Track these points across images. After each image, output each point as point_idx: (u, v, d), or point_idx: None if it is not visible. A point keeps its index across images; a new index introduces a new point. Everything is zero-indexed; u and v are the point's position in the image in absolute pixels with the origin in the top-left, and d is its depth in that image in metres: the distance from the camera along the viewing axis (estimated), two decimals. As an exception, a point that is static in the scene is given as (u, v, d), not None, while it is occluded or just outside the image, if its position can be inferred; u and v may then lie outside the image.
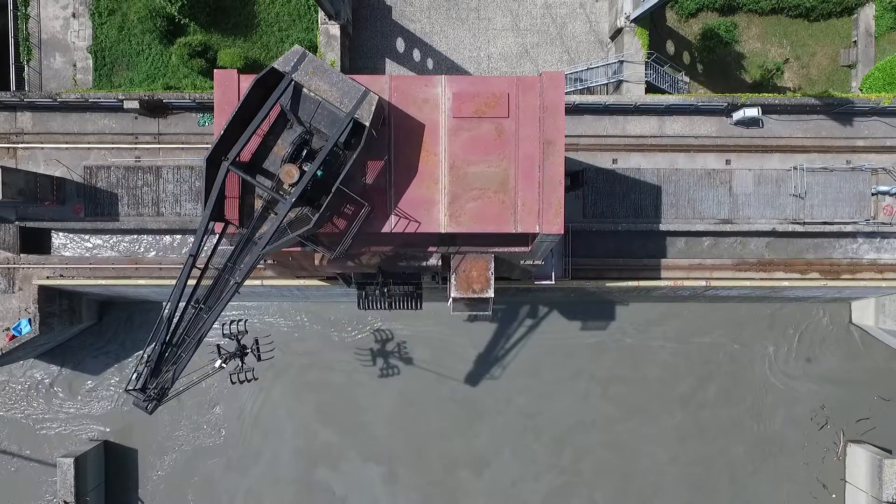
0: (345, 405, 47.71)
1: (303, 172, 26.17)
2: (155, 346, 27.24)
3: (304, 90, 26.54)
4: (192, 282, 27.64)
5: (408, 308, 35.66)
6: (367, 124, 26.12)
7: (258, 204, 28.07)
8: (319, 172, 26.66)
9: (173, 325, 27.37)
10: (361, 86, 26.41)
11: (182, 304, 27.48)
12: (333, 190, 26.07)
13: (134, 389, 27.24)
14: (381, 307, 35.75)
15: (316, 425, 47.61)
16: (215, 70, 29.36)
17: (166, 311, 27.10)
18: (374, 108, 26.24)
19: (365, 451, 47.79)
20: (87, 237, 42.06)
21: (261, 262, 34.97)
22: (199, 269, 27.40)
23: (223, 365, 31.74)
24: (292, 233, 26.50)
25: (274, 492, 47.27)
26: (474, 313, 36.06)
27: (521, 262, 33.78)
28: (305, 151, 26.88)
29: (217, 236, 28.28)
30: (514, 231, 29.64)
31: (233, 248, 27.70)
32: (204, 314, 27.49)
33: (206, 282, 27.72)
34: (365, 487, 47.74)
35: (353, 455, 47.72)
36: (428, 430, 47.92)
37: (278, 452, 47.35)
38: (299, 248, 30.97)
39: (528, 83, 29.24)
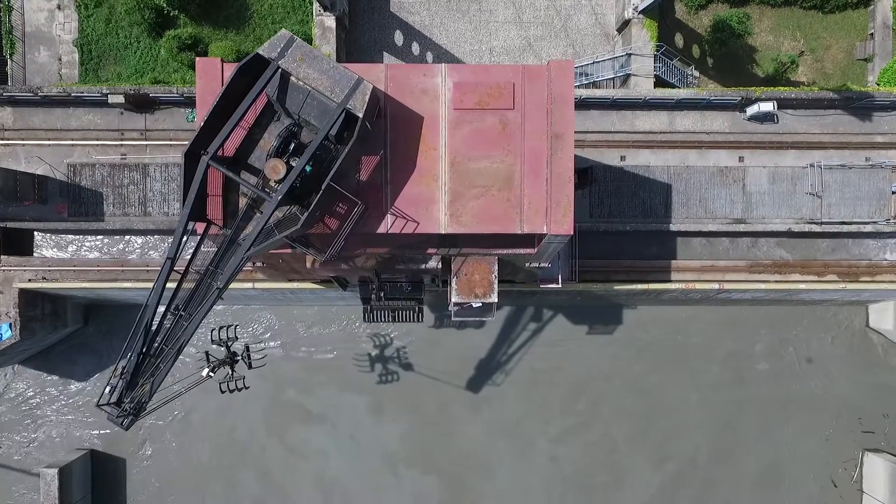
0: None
1: (290, 168, 23.63)
2: (130, 356, 24.68)
3: (292, 79, 23.99)
4: (173, 286, 25.19)
5: (410, 321, 35.19)
6: (361, 116, 23.58)
7: (243, 202, 25.49)
8: (308, 168, 24.13)
9: (151, 334, 24.84)
10: (354, 74, 23.87)
11: (161, 311, 25.08)
12: (324, 187, 23.51)
13: (107, 404, 24.66)
14: (384, 320, 35.41)
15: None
16: (197, 58, 26.80)
17: (143, 318, 24.58)
18: (367, 98, 23.70)
19: (344, 383, 45.31)
20: (70, 238, 39.58)
21: (249, 264, 32.55)
22: (178, 272, 24.89)
23: (211, 374, 29.33)
24: (279, 233, 23.95)
25: (246, 412, 44.82)
26: (476, 318, 33.48)
27: (527, 264, 31.21)
28: (293, 145, 24.32)
29: (198, 237, 25.78)
30: (519, 232, 27.08)
31: (215, 250, 25.16)
32: (184, 322, 24.94)
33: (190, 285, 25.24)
34: (344, 410, 45.19)
35: (329, 384, 45.26)
36: (418, 378, 45.52)
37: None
38: (289, 250, 28.38)
39: (534, 72, 26.66)
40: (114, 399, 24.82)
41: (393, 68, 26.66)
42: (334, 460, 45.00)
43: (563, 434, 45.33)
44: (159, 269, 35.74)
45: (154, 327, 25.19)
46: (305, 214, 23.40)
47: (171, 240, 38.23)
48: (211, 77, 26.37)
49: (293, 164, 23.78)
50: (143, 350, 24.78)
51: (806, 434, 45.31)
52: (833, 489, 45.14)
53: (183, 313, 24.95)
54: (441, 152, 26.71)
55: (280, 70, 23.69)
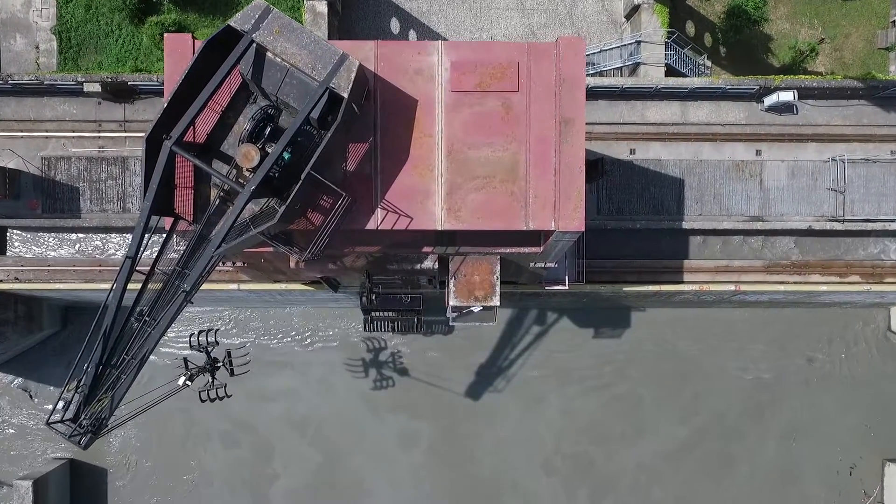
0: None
1: (266, 155, 20.40)
2: (87, 367, 21.45)
3: (269, 54, 20.76)
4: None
5: (410, 331, 34.57)
6: (346, 96, 20.35)
7: (214, 194, 22.26)
8: (287, 155, 20.94)
9: (111, 342, 21.62)
10: (338, 49, 20.65)
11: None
12: (304, 176, 20.28)
13: (61, 421, 21.42)
14: (384, 330, 34.88)
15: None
16: (166, 35, 23.56)
17: (101, 324, 21.40)
18: (353, 76, 20.48)
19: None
20: (44, 236, 36.35)
21: (228, 264, 29.33)
22: (141, 273, 21.72)
23: (188, 383, 26.01)
24: (254, 229, 20.69)
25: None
26: (477, 323, 30.23)
27: (532, 264, 27.92)
28: (269, 129, 21.12)
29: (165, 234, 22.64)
30: (524, 228, 23.83)
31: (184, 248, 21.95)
32: (148, 328, 21.70)
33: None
34: (314, 364, 41.35)
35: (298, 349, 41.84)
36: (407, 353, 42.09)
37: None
38: (270, 249, 25.13)
39: (541, 50, 23.43)
40: (69, 415, 21.64)
41: (383, 45, 23.43)
42: (305, 401, 41.45)
43: (581, 392, 41.93)
44: (141, 269, 32.75)
45: (117, 334, 22.03)
46: (282, 207, 20.14)
47: (153, 237, 35.31)
48: (181, 55, 23.13)
49: (270, 150, 20.57)
50: (102, 360, 21.57)
51: (846, 410, 42.09)
52: (848, 478, 42.21)
53: (147, 319, 21.73)
54: (437, 139, 23.46)
55: (255, 44, 20.48)
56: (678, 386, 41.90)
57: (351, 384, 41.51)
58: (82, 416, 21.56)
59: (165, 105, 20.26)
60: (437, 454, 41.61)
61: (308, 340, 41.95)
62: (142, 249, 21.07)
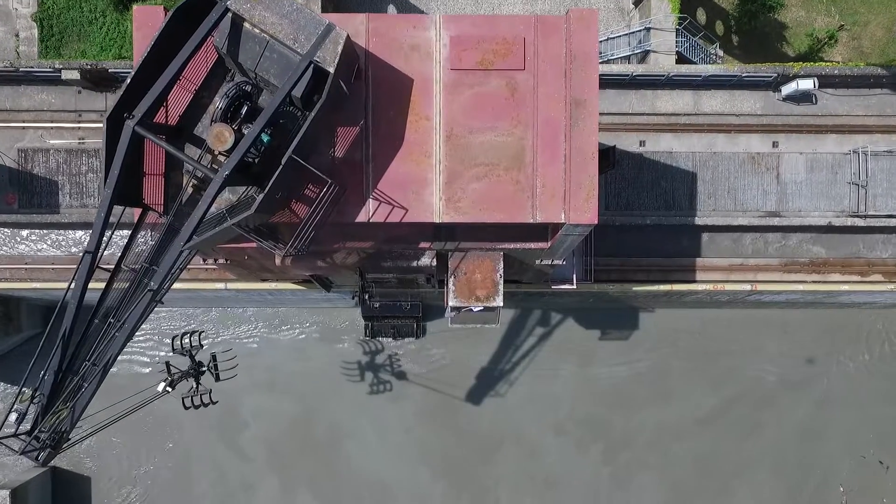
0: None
1: (242, 137, 17.84)
2: (44, 374, 18.91)
3: (246, 25, 18.19)
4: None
5: (410, 336, 34.97)
6: (332, 71, 17.76)
7: (187, 182, 19.70)
8: (266, 137, 18.38)
9: (71, 346, 19.10)
10: (324, 19, 18.12)
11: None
12: (285, 160, 17.68)
13: (14, 435, 18.87)
14: (385, 335, 35.17)
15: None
16: (135, 7, 21.00)
17: (59, 326, 18.88)
18: (340, 48, 17.90)
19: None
20: (21, 232, 33.83)
21: (210, 261, 26.79)
22: (104, 269, 19.21)
23: (168, 389, 23.42)
24: (229, 220, 18.11)
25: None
26: (478, 325, 27.68)
27: (538, 261, 25.32)
28: (246, 109, 18.55)
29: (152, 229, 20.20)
30: (531, 221, 21.25)
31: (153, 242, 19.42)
32: (113, 331, 19.15)
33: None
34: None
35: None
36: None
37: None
38: (253, 245, 22.54)
39: (549, 24, 20.85)
40: (24, 428, 19.11)
41: (375, 19, 20.84)
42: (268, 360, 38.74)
43: (599, 369, 39.41)
44: (125, 268, 29.84)
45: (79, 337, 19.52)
46: (260, 195, 17.54)
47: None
48: (151, 29, 20.42)
49: (246, 132, 18.01)
50: (62, 366, 19.03)
51: (887, 400, 39.73)
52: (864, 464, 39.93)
53: (112, 320, 19.18)
54: (435, 123, 20.88)
55: (230, 13, 17.91)
56: (707, 364, 39.74)
57: (335, 357, 38.91)
58: (38, 429, 19.00)
59: (129, 80, 17.71)
60: (428, 412, 38.91)
61: (292, 330, 39.48)
62: (104, 243, 18.54)
